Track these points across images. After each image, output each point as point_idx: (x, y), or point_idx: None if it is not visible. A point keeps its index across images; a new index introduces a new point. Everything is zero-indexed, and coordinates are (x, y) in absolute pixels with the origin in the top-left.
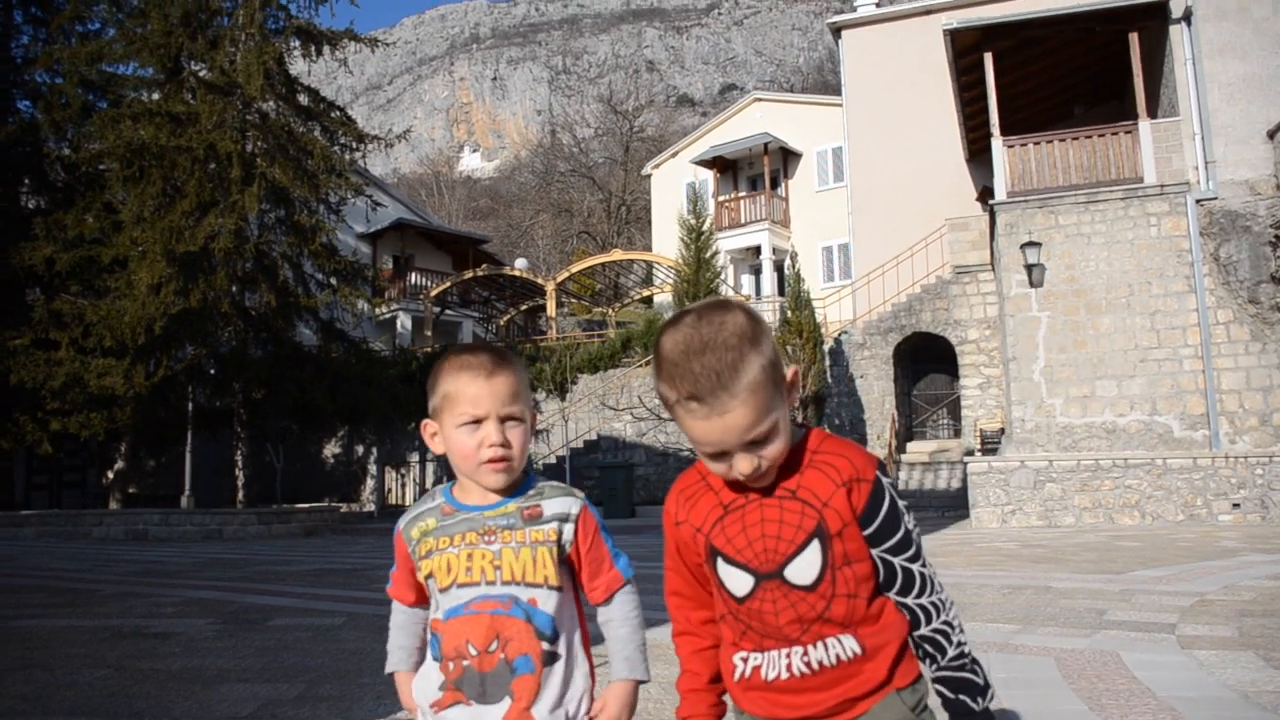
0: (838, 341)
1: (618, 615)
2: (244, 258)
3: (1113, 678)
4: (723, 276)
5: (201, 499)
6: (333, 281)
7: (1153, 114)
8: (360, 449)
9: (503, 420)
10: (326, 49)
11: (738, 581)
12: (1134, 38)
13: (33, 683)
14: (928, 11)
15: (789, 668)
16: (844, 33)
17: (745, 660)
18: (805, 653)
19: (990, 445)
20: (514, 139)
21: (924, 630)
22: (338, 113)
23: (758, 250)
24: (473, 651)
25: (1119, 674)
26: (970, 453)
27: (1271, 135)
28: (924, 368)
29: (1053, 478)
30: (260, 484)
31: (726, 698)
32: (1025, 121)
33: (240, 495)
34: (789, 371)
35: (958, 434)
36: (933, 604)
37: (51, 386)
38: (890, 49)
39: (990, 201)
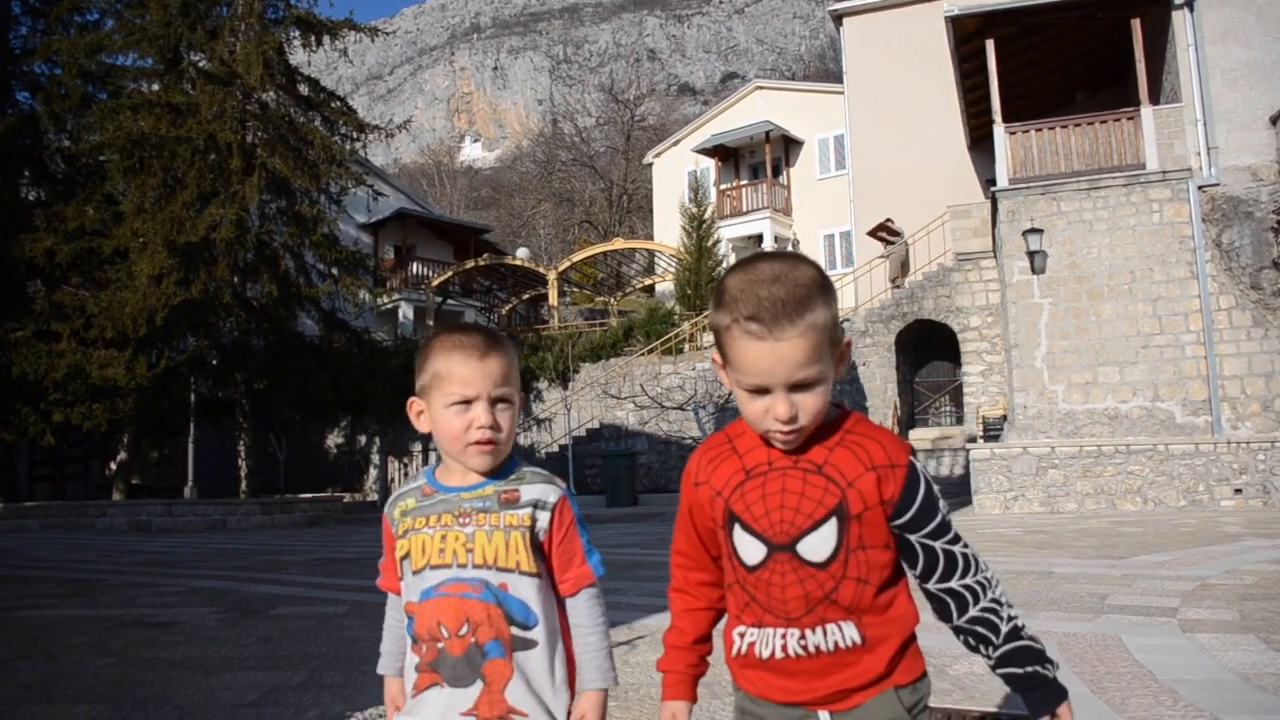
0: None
1: (586, 621)
2: (245, 248)
3: (1114, 661)
4: (724, 265)
5: (204, 490)
6: (334, 272)
7: (1155, 100)
8: (363, 439)
9: (493, 402)
10: (326, 39)
11: (750, 550)
12: (1136, 23)
13: (37, 672)
14: None
15: (784, 648)
16: (845, 20)
17: (743, 636)
18: (803, 635)
19: (992, 432)
20: (515, 128)
21: (973, 611)
22: (338, 103)
23: (759, 238)
24: (445, 634)
25: (1121, 657)
26: (973, 439)
27: (1274, 121)
28: (926, 355)
29: (1055, 464)
30: (263, 474)
31: (709, 659)
32: (1027, 108)
33: (243, 486)
34: (844, 341)
35: (960, 421)
36: (978, 583)
37: (53, 378)
38: (891, 36)
39: (992, 188)
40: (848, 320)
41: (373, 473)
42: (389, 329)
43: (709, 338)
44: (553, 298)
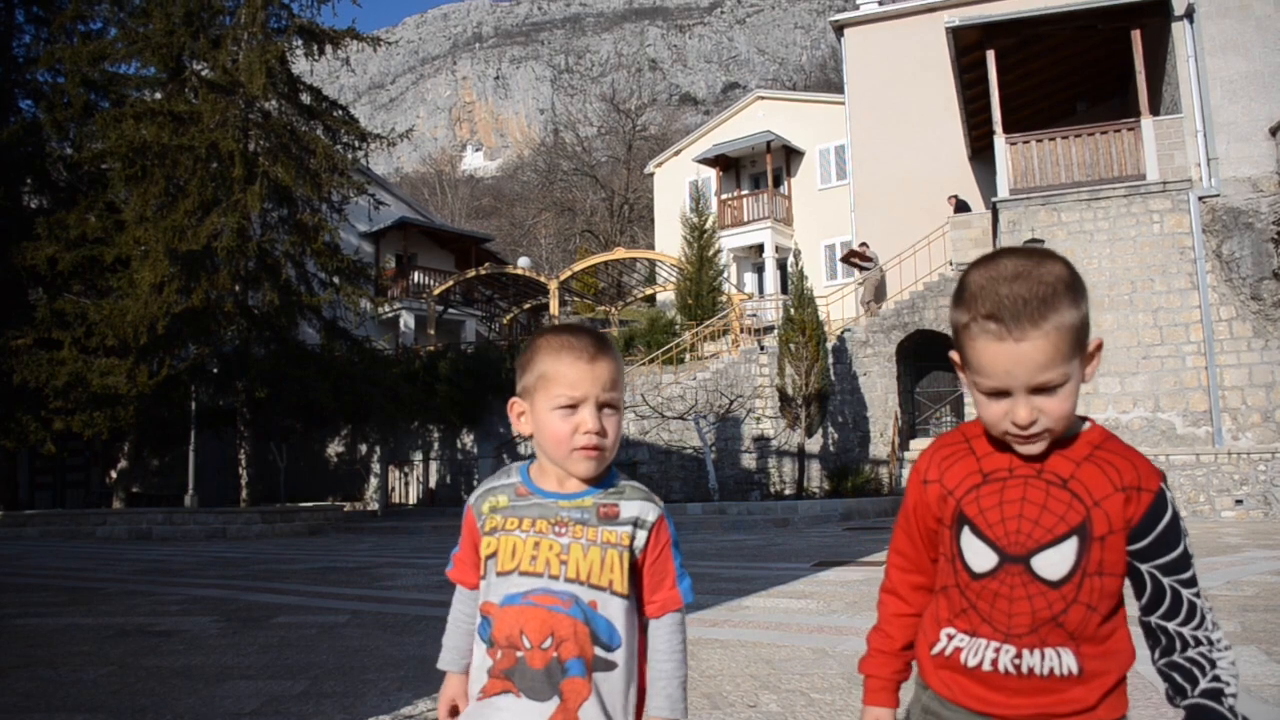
0: (841, 339)
1: (665, 646)
2: (247, 257)
3: None
4: (725, 275)
5: (205, 498)
6: (336, 280)
7: (1155, 111)
8: (364, 448)
9: (600, 407)
10: (329, 48)
11: (980, 556)
12: (1136, 35)
13: (36, 680)
14: (930, 9)
15: (994, 662)
16: (846, 31)
17: (951, 638)
18: (1018, 654)
19: None
20: (517, 138)
21: (1177, 656)
22: (340, 112)
23: (760, 248)
24: (527, 644)
25: None
26: None
27: (1273, 132)
28: (927, 365)
29: None
30: (264, 483)
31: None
32: (1028, 119)
33: (244, 494)
34: (1093, 342)
35: None
36: (1194, 637)
37: (54, 386)
38: (893, 47)
39: (993, 199)
40: (848, 331)
41: (373, 482)
42: (390, 338)
43: (710, 347)
44: (554, 307)
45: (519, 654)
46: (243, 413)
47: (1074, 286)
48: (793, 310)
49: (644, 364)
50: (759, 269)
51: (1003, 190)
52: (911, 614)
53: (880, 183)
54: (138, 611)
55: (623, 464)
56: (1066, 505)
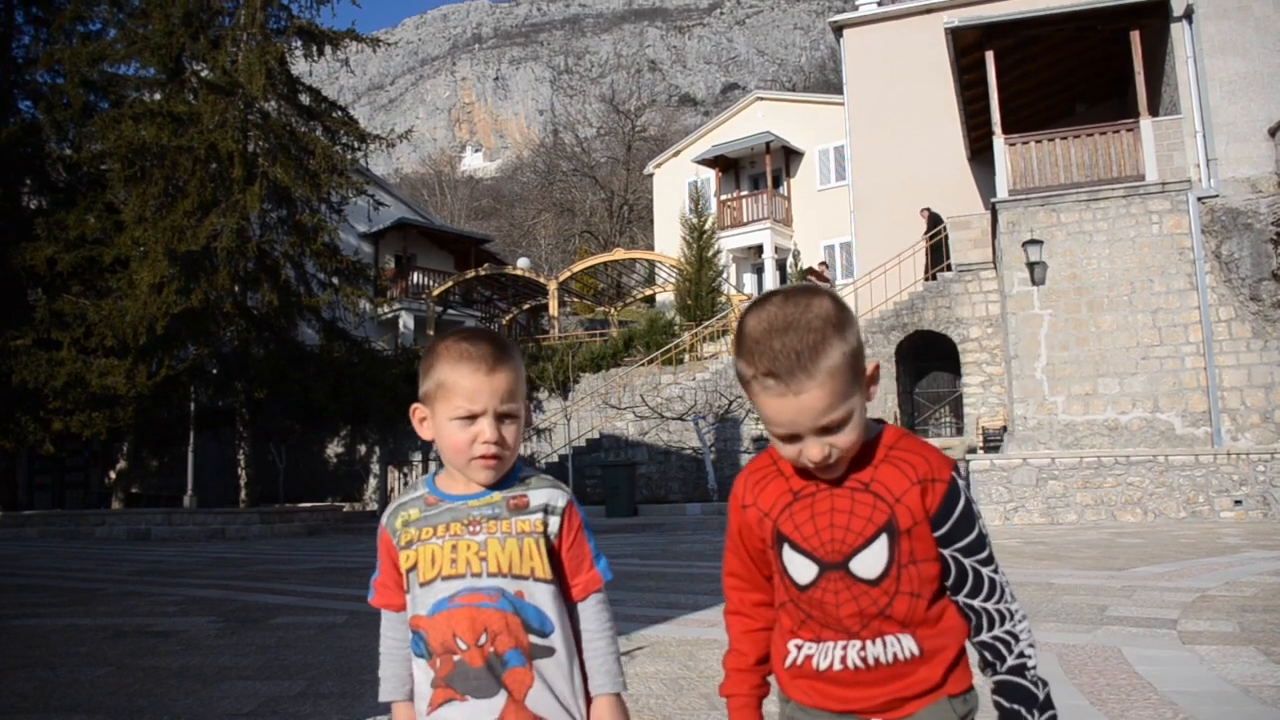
0: None
1: (595, 625)
2: (246, 257)
3: (1114, 673)
4: (725, 275)
5: (204, 499)
6: (335, 281)
7: (1154, 112)
8: (363, 448)
9: (499, 417)
10: (328, 49)
11: (802, 569)
12: (1135, 36)
13: (34, 680)
14: (929, 10)
15: (843, 659)
16: (845, 31)
17: (799, 648)
18: (863, 647)
19: (992, 443)
20: (516, 138)
21: (985, 636)
22: (339, 112)
23: (760, 249)
24: (462, 645)
25: (1120, 669)
26: (972, 451)
27: (1272, 133)
28: (926, 366)
29: (1055, 475)
30: (263, 484)
31: (771, 679)
32: (1027, 119)
33: (243, 495)
34: (869, 365)
35: (960, 432)
36: (998, 611)
37: (53, 386)
38: (892, 48)
39: (993, 199)
40: None
41: (372, 482)
42: (389, 338)
43: (709, 348)
44: (553, 308)
45: (456, 657)
46: (242, 413)
47: (841, 322)
48: None
49: (643, 365)
50: (758, 270)
51: (1002, 191)
52: (760, 629)
53: (880, 183)
54: (136, 612)
55: (622, 464)
56: (871, 507)
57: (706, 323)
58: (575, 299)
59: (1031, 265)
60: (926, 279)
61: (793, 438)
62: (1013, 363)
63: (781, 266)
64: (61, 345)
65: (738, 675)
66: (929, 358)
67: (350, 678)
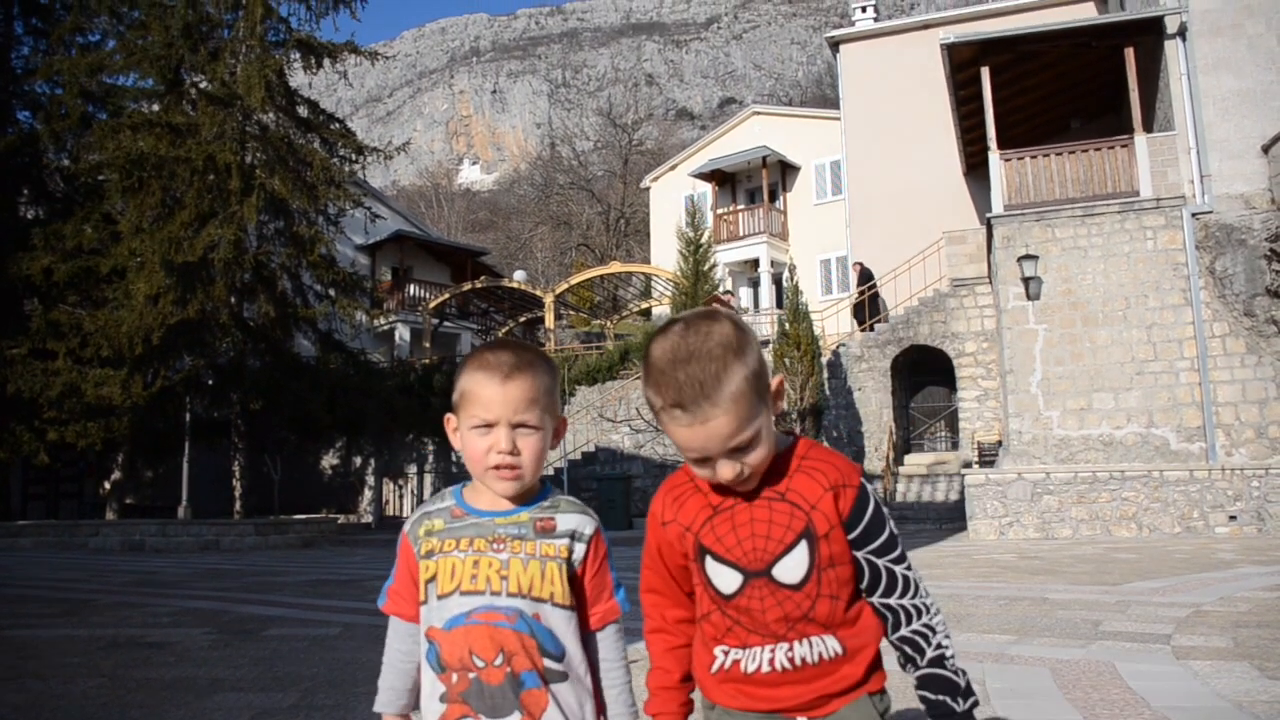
0: (836, 354)
1: (613, 655)
2: (242, 268)
3: (1107, 688)
4: (721, 289)
5: (199, 510)
6: (331, 293)
7: (1149, 128)
8: (358, 460)
9: (514, 427)
10: (327, 62)
11: (726, 579)
12: (1130, 53)
13: (26, 692)
14: (925, 26)
15: (771, 662)
16: (842, 47)
17: (726, 654)
18: (790, 648)
19: (988, 457)
20: (513, 152)
21: (904, 631)
22: (337, 125)
23: (756, 263)
24: (479, 663)
25: (1114, 684)
26: (968, 465)
27: (1266, 150)
28: (922, 380)
29: (1050, 490)
30: (258, 495)
31: (695, 695)
32: (1022, 135)
33: (238, 506)
34: (774, 381)
35: (955, 446)
36: (914, 606)
37: (49, 396)
38: (888, 63)
39: (988, 214)
40: (843, 345)
41: (367, 494)
42: (385, 350)
43: None
44: (549, 320)
45: (472, 675)
46: (237, 424)
47: (740, 345)
48: (788, 325)
49: (639, 378)
50: (754, 283)
51: (997, 206)
52: (682, 645)
53: (876, 198)
54: (129, 623)
55: (618, 477)
56: (789, 515)
57: None
58: (571, 312)
59: (1026, 280)
60: (863, 330)
61: (705, 460)
62: (1008, 377)
63: (778, 280)
64: (57, 355)
65: (664, 694)
66: (925, 372)
67: (344, 690)
